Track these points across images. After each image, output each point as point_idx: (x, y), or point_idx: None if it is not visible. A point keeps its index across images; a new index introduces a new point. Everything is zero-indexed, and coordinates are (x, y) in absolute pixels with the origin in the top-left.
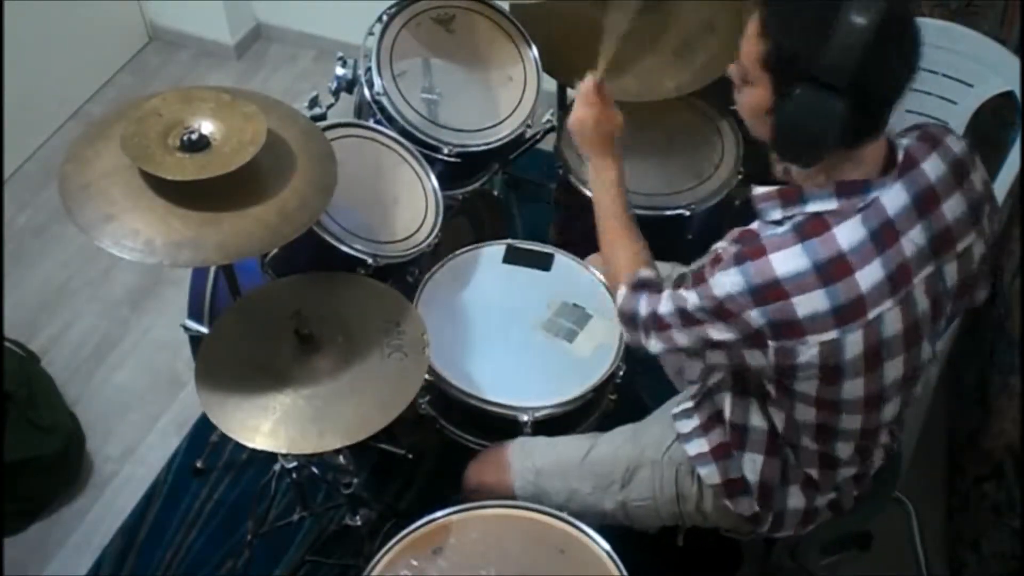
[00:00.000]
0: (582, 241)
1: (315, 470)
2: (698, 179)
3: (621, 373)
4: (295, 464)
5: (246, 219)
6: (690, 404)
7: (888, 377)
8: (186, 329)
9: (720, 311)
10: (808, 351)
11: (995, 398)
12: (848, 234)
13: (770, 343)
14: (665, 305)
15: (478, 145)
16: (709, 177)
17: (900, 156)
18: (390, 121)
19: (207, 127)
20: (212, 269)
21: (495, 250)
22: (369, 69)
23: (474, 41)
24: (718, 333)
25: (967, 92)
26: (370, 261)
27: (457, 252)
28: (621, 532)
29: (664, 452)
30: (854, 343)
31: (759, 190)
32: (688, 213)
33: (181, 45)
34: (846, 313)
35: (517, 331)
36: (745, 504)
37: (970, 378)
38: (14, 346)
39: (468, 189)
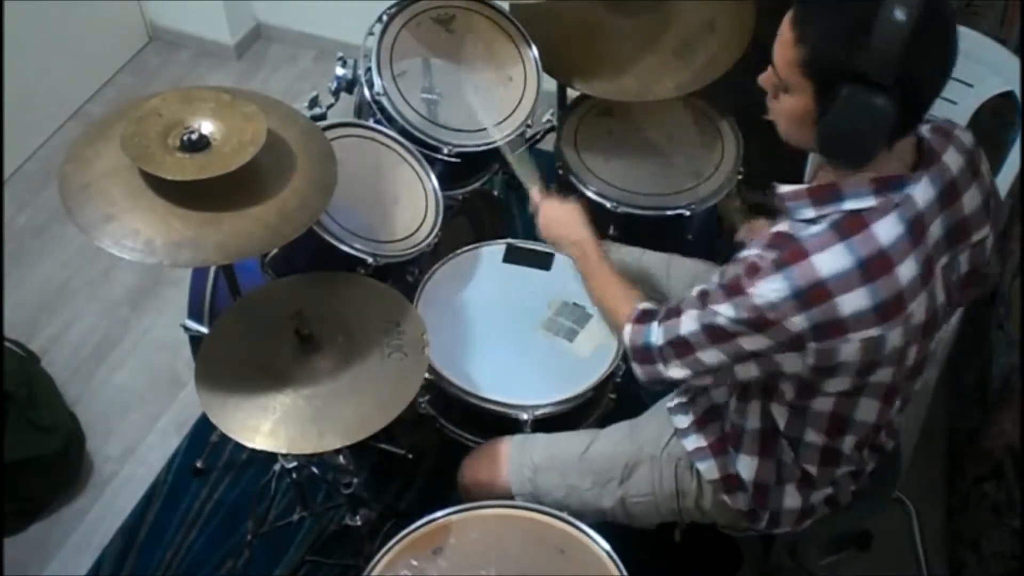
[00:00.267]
0: None
1: (315, 470)
2: (698, 179)
3: (621, 372)
4: (295, 464)
5: (246, 219)
6: (684, 398)
7: (905, 368)
8: (186, 329)
9: (760, 321)
10: (849, 348)
11: (995, 398)
12: (887, 230)
13: (811, 345)
14: (688, 325)
15: (478, 145)
16: (709, 177)
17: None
18: (390, 121)
19: (207, 127)
20: (212, 269)
21: (495, 249)
22: (369, 69)
23: (474, 41)
24: (753, 344)
25: (967, 92)
26: (370, 261)
27: (457, 252)
28: (621, 532)
29: (663, 448)
30: (894, 338)
31: (786, 188)
32: (688, 213)
33: (181, 45)
34: (888, 310)
35: (517, 330)
36: (742, 500)
37: (970, 378)
38: (14, 346)
39: (468, 189)
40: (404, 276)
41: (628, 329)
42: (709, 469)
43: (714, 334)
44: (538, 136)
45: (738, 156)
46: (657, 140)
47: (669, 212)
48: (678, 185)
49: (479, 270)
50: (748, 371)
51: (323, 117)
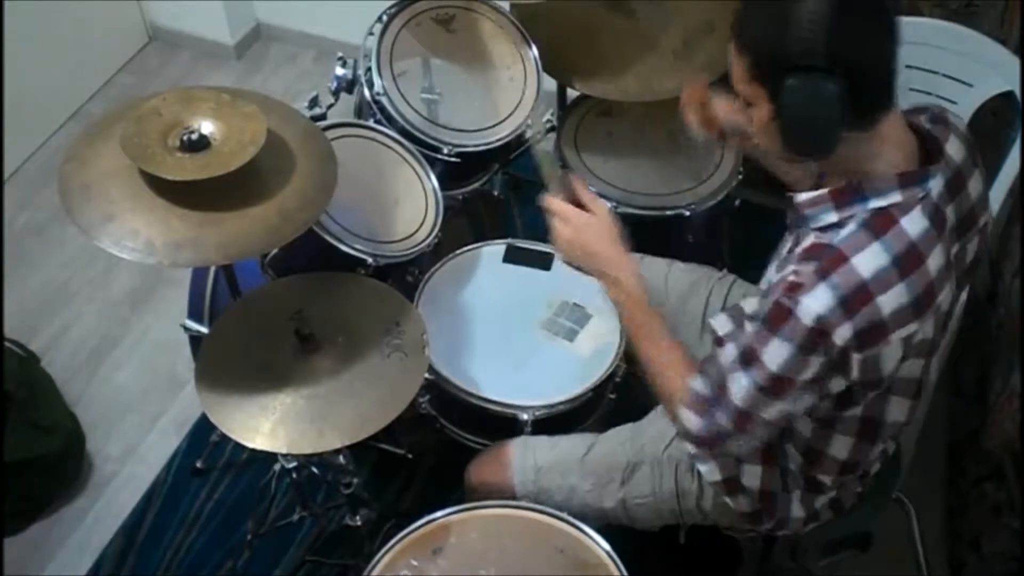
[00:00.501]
0: None
1: (315, 470)
2: (698, 179)
3: (621, 373)
4: (295, 464)
5: (246, 219)
6: None
7: (933, 360)
8: (186, 329)
9: (811, 340)
10: (891, 351)
11: (995, 398)
12: (914, 224)
13: (854, 357)
14: (742, 395)
15: (478, 145)
16: (709, 177)
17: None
18: (390, 121)
19: (207, 127)
20: (212, 269)
21: (495, 249)
22: (369, 69)
23: (474, 41)
24: (808, 372)
25: (967, 92)
26: (370, 261)
27: (457, 252)
28: (621, 532)
29: (664, 449)
30: (926, 330)
31: (804, 196)
32: (688, 213)
33: (181, 45)
34: (923, 303)
35: (517, 330)
36: (744, 502)
37: (970, 378)
38: (14, 346)
39: (468, 189)
40: (404, 276)
41: (691, 420)
42: (710, 471)
43: (774, 387)
44: (538, 136)
45: (738, 156)
46: (657, 140)
47: (669, 212)
48: (678, 185)
49: (479, 270)
50: (805, 402)
51: (323, 117)
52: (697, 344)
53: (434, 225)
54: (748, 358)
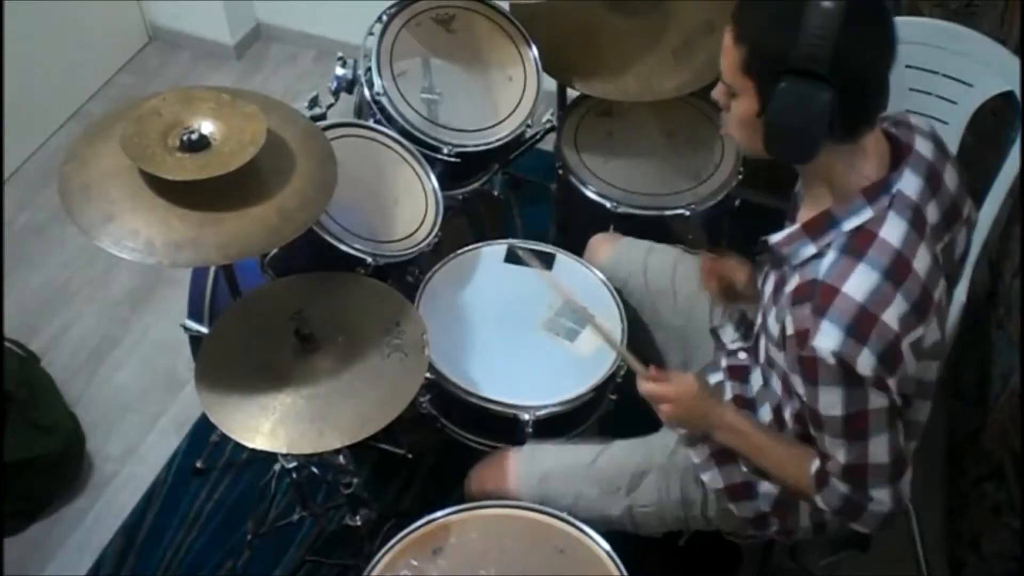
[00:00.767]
0: (582, 240)
1: (315, 470)
2: (698, 179)
3: (622, 373)
4: (295, 464)
5: (246, 219)
6: None
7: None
8: (186, 329)
9: (845, 375)
10: (910, 362)
11: (995, 398)
12: (893, 231)
13: (890, 381)
14: (838, 449)
15: (478, 145)
16: (709, 177)
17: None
18: (390, 121)
19: (207, 127)
20: (212, 269)
21: (496, 250)
22: (369, 69)
23: (474, 41)
24: (876, 401)
25: (967, 92)
26: (370, 261)
27: (457, 252)
28: (622, 533)
29: (670, 457)
30: (933, 331)
31: (777, 236)
32: (688, 213)
33: (181, 45)
34: (922, 306)
35: (518, 330)
36: (748, 508)
37: (970, 378)
38: (14, 346)
39: (468, 189)
40: (404, 276)
41: (820, 499)
42: (713, 479)
43: (854, 429)
44: (538, 136)
45: (738, 156)
46: (657, 140)
47: (669, 212)
48: (678, 185)
49: (480, 270)
50: (898, 432)
51: (323, 117)
52: (706, 343)
53: (434, 225)
54: (816, 420)
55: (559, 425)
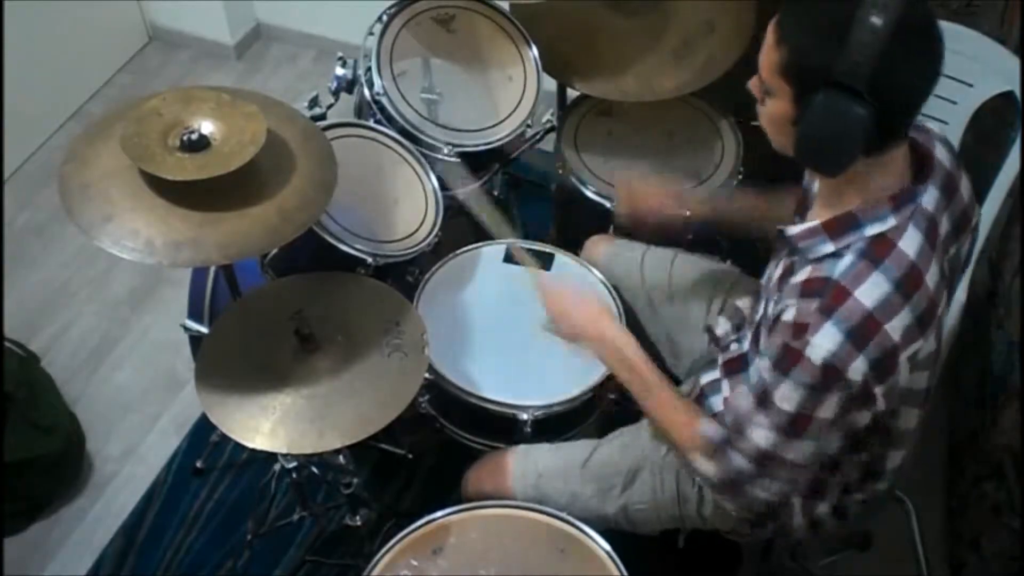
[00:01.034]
0: (582, 240)
1: (315, 470)
2: (698, 179)
3: None
4: (295, 464)
5: (246, 219)
6: None
7: (938, 367)
8: (186, 329)
9: (825, 379)
10: (903, 373)
11: (995, 398)
12: (911, 243)
13: (877, 391)
14: (764, 433)
15: (478, 145)
16: (709, 177)
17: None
18: (390, 121)
19: (207, 127)
20: (212, 269)
21: (495, 250)
22: (369, 69)
23: (474, 41)
24: (828, 410)
25: (967, 92)
26: (370, 261)
27: (457, 252)
28: (621, 533)
29: (664, 454)
30: (930, 344)
31: (796, 229)
32: (688, 213)
33: (181, 45)
34: (925, 319)
35: (517, 330)
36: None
37: (970, 378)
38: (14, 346)
39: (468, 189)
40: (404, 276)
41: (707, 466)
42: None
43: (794, 426)
44: (538, 136)
45: (738, 156)
46: (657, 140)
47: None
48: (678, 185)
49: (479, 270)
50: (834, 442)
51: (323, 117)
52: (699, 343)
53: (434, 225)
54: (763, 400)
55: (558, 425)
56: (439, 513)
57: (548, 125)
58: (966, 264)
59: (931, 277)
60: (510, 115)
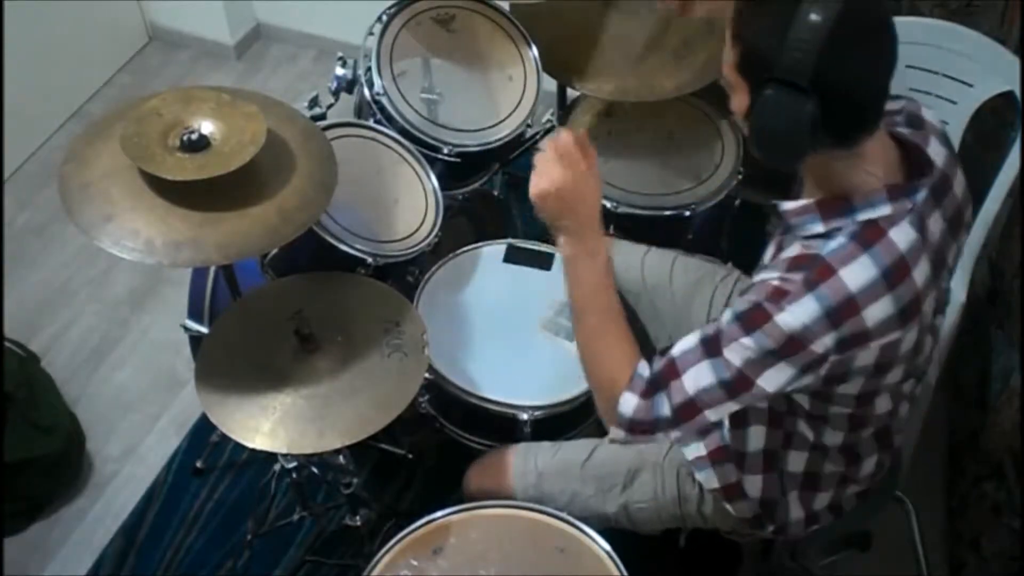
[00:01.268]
0: None
1: (315, 470)
2: (698, 179)
3: None
4: (295, 464)
5: (246, 219)
6: None
7: (919, 361)
8: (186, 329)
9: (787, 347)
10: (866, 355)
11: (995, 398)
12: (903, 236)
13: (831, 358)
14: (699, 382)
15: (478, 145)
16: (709, 177)
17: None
18: (390, 121)
19: (207, 127)
20: (212, 269)
21: (495, 249)
22: (369, 69)
23: (474, 41)
24: (774, 378)
25: (967, 92)
26: (370, 261)
27: (457, 252)
28: (621, 533)
29: (665, 454)
30: (910, 338)
31: (790, 205)
32: (688, 213)
33: (181, 45)
34: (908, 313)
35: (517, 330)
36: (745, 507)
37: (970, 378)
38: (14, 346)
39: (468, 189)
40: (404, 276)
41: (632, 402)
42: (708, 478)
43: (731, 383)
44: (538, 136)
45: (738, 156)
46: (657, 140)
47: (669, 212)
48: (678, 185)
49: (479, 270)
50: (760, 404)
51: (323, 117)
52: None
53: (434, 225)
54: (713, 347)
55: (558, 425)
56: (439, 513)
57: (548, 125)
58: (956, 261)
59: (920, 273)
60: (510, 115)
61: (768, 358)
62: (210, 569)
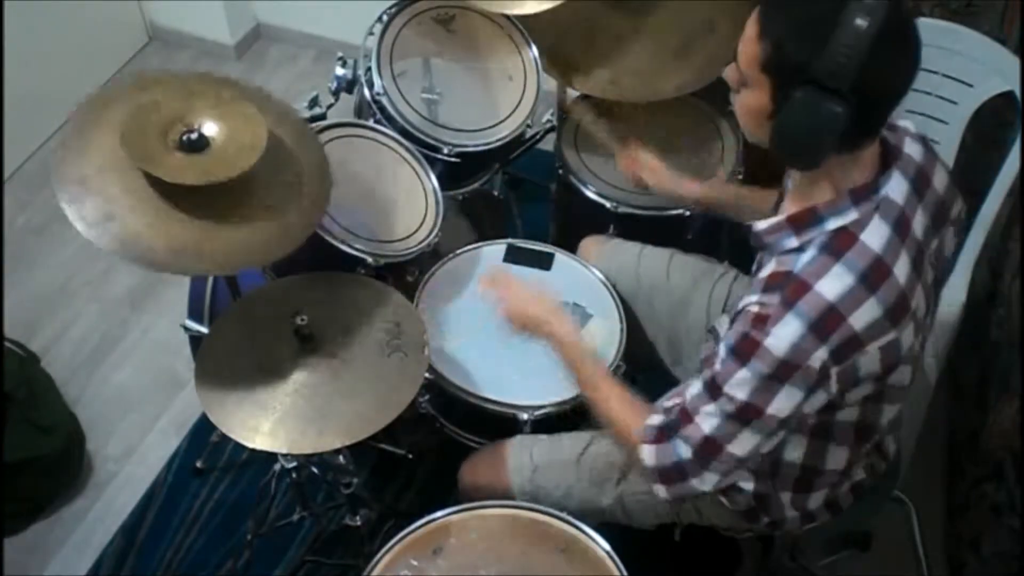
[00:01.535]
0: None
1: (315, 470)
2: (698, 179)
3: (621, 373)
4: (295, 464)
5: (244, 231)
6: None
7: (919, 362)
8: (186, 329)
9: (785, 371)
10: (868, 359)
11: (995, 398)
12: (875, 236)
13: (833, 371)
14: (710, 422)
15: (478, 145)
16: (709, 177)
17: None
18: (390, 121)
19: (207, 128)
20: None
21: (495, 250)
22: (369, 69)
23: (474, 41)
24: (784, 403)
25: (967, 92)
26: (370, 261)
27: (457, 252)
28: (621, 532)
29: None
30: (907, 337)
31: (763, 225)
32: (688, 213)
33: (181, 45)
34: (896, 312)
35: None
36: (740, 501)
37: (970, 378)
38: (14, 346)
39: (468, 189)
40: (404, 276)
41: (649, 451)
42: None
43: (742, 415)
44: (538, 136)
45: (738, 156)
46: (657, 140)
47: (669, 212)
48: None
49: (479, 270)
50: (781, 432)
51: (323, 117)
52: (701, 344)
53: (434, 225)
54: (715, 387)
55: (557, 425)
56: (439, 513)
57: (548, 125)
58: (954, 256)
59: (901, 270)
60: (510, 115)
61: (770, 384)
62: (210, 569)
